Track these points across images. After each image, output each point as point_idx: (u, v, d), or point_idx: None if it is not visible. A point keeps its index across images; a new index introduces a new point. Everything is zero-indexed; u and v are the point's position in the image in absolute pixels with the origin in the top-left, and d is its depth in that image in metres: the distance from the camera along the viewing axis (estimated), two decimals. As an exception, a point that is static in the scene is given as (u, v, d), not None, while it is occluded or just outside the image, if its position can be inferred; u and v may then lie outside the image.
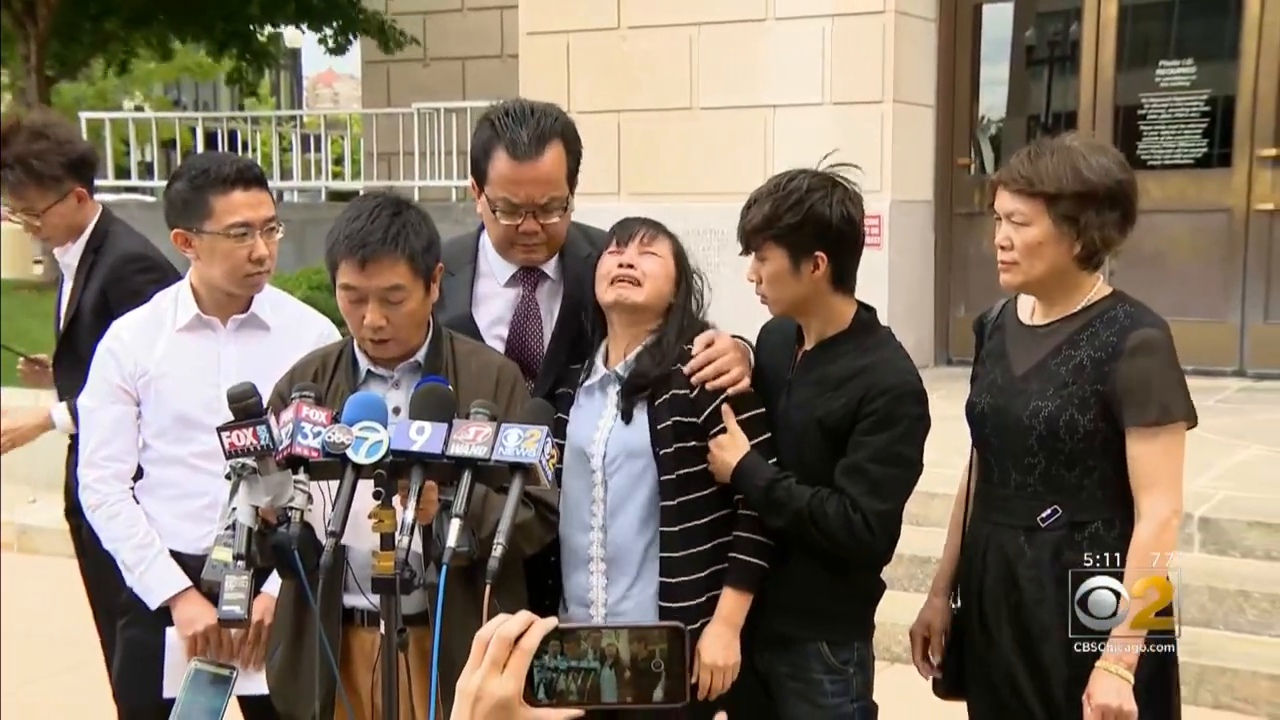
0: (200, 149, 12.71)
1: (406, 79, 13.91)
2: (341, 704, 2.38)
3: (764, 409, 2.66)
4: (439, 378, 2.38)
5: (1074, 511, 2.48)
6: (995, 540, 2.57)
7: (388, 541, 2.08)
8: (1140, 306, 2.52)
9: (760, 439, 2.62)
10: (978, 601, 2.61)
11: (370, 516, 2.10)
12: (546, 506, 2.51)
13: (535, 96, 3.07)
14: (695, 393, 2.62)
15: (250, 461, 2.08)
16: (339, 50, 15.60)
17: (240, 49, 16.07)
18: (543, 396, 2.58)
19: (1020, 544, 2.52)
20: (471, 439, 2.04)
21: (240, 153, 11.56)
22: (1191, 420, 2.46)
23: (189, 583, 2.82)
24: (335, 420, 2.11)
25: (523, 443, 2.02)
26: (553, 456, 2.09)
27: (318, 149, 14.01)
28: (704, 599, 2.62)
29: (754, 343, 2.78)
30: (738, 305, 2.75)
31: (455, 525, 1.98)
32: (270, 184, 3.03)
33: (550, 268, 2.85)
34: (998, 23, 8.23)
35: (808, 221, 2.53)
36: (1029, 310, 2.63)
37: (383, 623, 2.13)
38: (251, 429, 2.09)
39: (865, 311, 2.67)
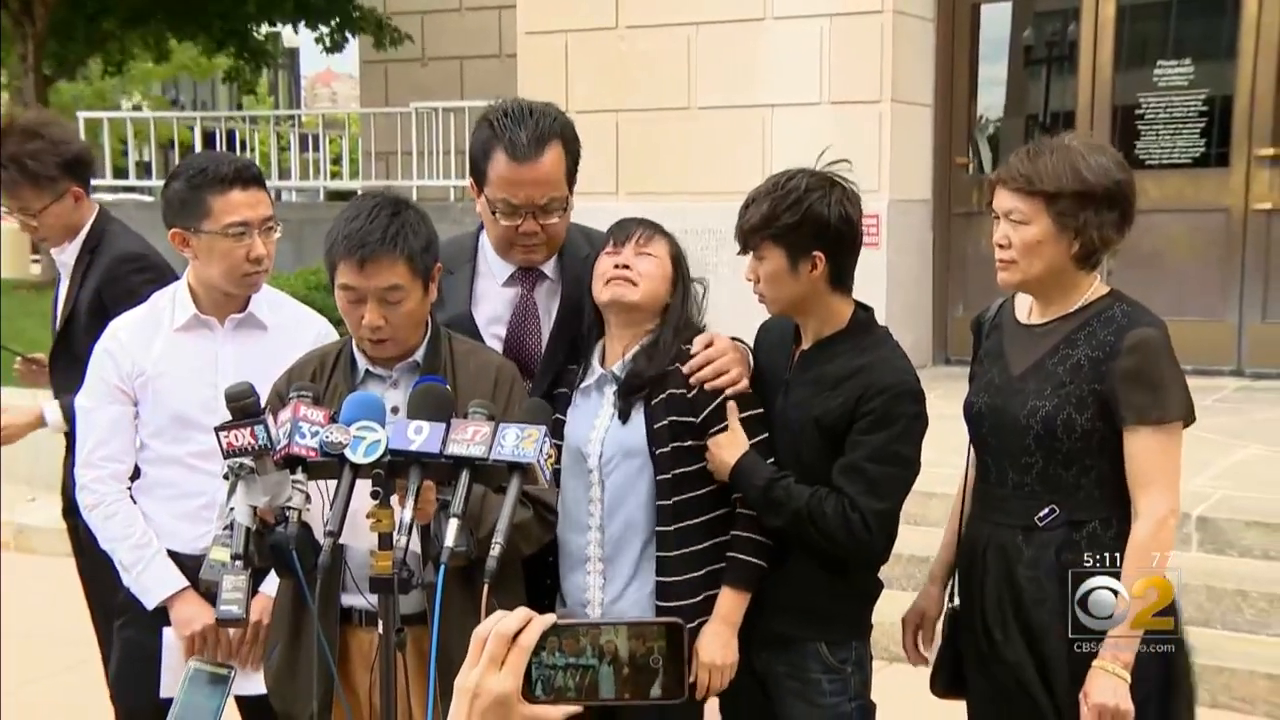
0: (198, 148, 12.69)
1: (404, 78, 13.90)
2: (339, 704, 2.38)
3: (762, 409, 2.66)
4: (437, 377, 2.37)
5: (1072, 511, 2.48)
6: (994, 540, 2.57)
7: (386, 541, 2.08)
8: (1138, 306, 2.52)
9: (758, 439, 2.63)
10: (978, 601, 2.61)
11: (368, 516, 2.10)
12: (545, 506, 2.51)
13: (533, 96, 3.06)
14: (693, 392, 2.62)
15: (248, 461, 2.08)
16: (335, 48, 15.58)
17: (238, 47, 16.07)
18: (540, 396, 2.58)
19: (1018, 543, 2.52)
20: (469, 438, 2.04)
21: (238, 152, 11.59)
22: (1189, 418, 2.46)
23: (186, 582, 2.81)
24: (333, 420, 2.11)
25: (521, 442, 2.02)
26: (551, 456, 2.09)
27: (316, 148, 13.98)
28: (700, 598, 2.62)
29: (751, 343, 2.78)
30: (736, 305, 2.75)
31: (453, 525, 1.97)
32: (268, 183, 3.03)
33: (549, 268, 2.85)
34: (996, 22, 8.22)
35: (806, 221, 2.53)
36: (1026, 310, 2.63)
37: (381, 622, 2.13)
38: (249, 429, 2.09)
39: (863, 311, 2.67)
